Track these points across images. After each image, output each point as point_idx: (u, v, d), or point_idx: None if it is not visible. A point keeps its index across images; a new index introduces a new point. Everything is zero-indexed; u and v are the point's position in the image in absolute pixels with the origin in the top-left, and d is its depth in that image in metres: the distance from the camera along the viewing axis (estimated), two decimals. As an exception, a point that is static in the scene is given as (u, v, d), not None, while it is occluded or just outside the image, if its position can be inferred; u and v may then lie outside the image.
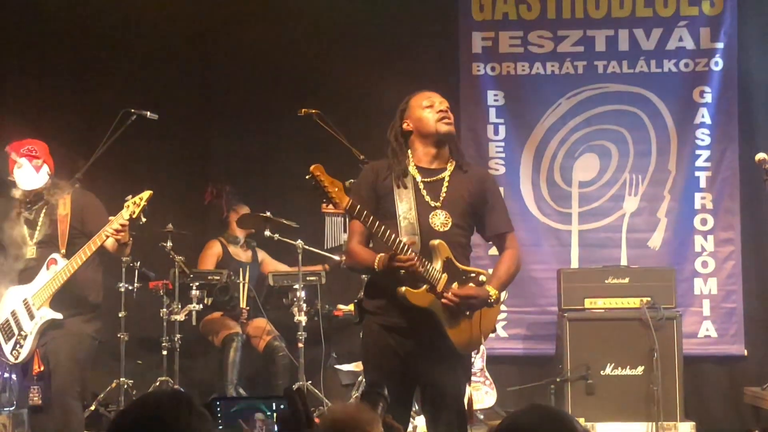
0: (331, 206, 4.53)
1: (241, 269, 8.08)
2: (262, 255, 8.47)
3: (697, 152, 8.54)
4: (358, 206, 4.48)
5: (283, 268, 8.29)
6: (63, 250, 5.77)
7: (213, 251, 8.30)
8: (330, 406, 3.96)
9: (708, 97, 8.52)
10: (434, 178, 4.81)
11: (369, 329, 4.81)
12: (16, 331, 5.84)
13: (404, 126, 4.88)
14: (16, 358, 5.87)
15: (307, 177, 4.35)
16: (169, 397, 2.46)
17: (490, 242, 5.19)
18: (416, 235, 4.65)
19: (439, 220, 4.73)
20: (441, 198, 4.77)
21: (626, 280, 7.84)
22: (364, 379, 6.35)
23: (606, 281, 7.85)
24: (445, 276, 4.63)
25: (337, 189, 4.39)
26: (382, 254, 4.60)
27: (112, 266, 6.82)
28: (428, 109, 4.83)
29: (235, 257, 8.31)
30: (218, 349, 7.92)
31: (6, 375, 7.33)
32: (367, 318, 4.81)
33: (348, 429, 3.22)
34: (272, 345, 7.86)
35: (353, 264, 4.95)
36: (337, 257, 7.95)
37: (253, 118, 8.74)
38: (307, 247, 7.82)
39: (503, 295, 4.89)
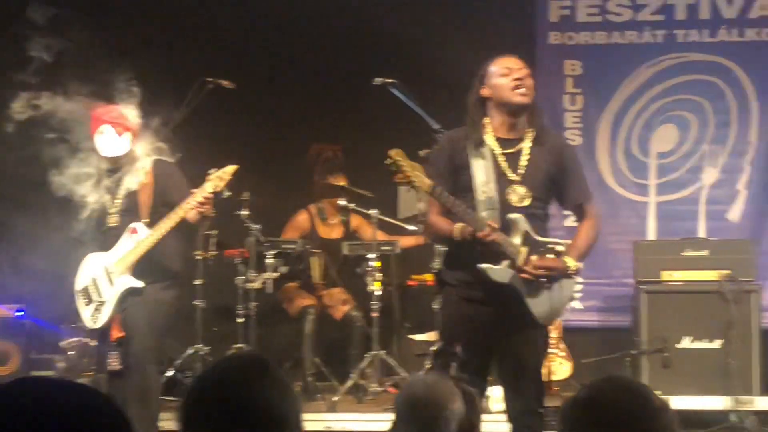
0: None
1: (323, 246, 8.06)
2: (356, 222, 8.33)
3: (780, 123, 8.40)
4: (440, 189, 4.46)
5: (380, 235, 7.88)
6: (145, 219, 5.82)
7: (297, 225, 8.25)
8: (410, 379, 3.98)
9: (791, 67, 8.36)
10: (513, 150, 4.77)
11: (448, 300, 4.83)
12: (95, 298, 5.93)
13: (483, 92, 4.82)
14: (95, 324, 5.95)
15: (386, 162, 4.34)
16: (242, 362, 2.48)
17: (566, 212, 5.15)
18: (495, 210, 4.64)
19: (518, 195, 4.70)
20: (520, 171, 4.72)
21: (704, 253, 7.72)
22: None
23: (683, 253, 7.74)
24: (524, 249, 4.62)
25: (417, 172, 4.37)
26: (461, 224, 4.59)
27: (189, 234, 6.86)
28: (504, 78, 4.76)
29: (321, 235, 8.25)
30: (293, 318, 7.95)
31: (85, 340, 7.47)
32: (446, 289, 4.82)
33: (429, 405, 3.22)
34: (350, 315, 7.86)
35: (433, 235, 4.97)
36: (410, 227, 7.93)
37: (327, 86, 8.74)
38: (381, 216, 7.80)
39: (580, 265, 4.85)
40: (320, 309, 7.95)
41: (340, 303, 7.96)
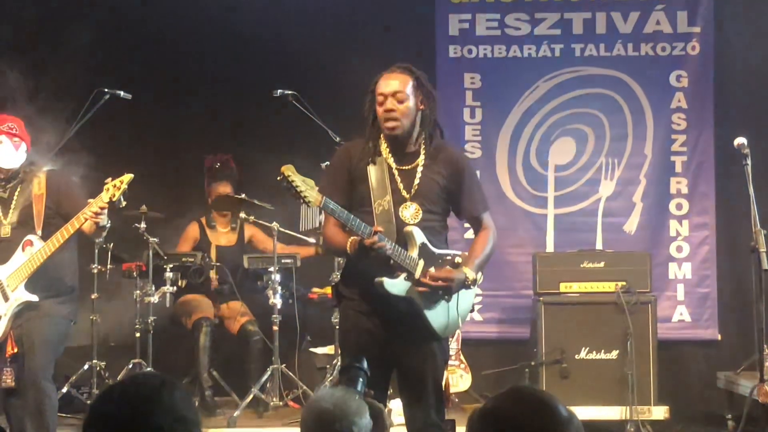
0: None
1: (217, 254, 8.01)
2: (250, 232, 8.32)
3: (673, 137, 8.55)
4: (332, 203, 4.45)
5: (279, 248, 7.87)
6: (39, 232, 5.68)
7: (189, 236, 8.19)
8: (316, 394, 3.94)
9: (684, 82, 8.52)
10: (408, 167, 4.78)
11: (346, 314, 4.81)
12: (-12, 313, 5.76)
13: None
14: (-11, 340, 5.79)
15: (278, 178, 4.30)
16: (150, 380, 2.44)
17: (466, 224, 5.17)
18: (391, 223, 4.64)
19: (409, 212, 4.72)
20: (413, 189, 4.73)
21: (601, 264, 7.83)
22: (339, 363, 6.35)
23: (581, 265, 7.83)
24: (421, 262, 4.63)
25: (309, 188, 4.34)
26: (354, 237, 4.58)
27: (84, 247, 6.74)
28: (379, 106, 4.74)
29: (213, 242, 8.21)
30: (190, 332, 7.84)
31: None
32: (344, 303, 4.80)
33: (337, 419, 3.18)
34: (246, 329, 7.79)
35: (328, 247, 4.97)
36: (312, 239, 7.91)
37: (228, 100, 8.68)
38: (282, 229, 7.76)
39: (479, 276, 4.87)
40: (218, 322, 7.87)
41: (238, 316, 7.89)
